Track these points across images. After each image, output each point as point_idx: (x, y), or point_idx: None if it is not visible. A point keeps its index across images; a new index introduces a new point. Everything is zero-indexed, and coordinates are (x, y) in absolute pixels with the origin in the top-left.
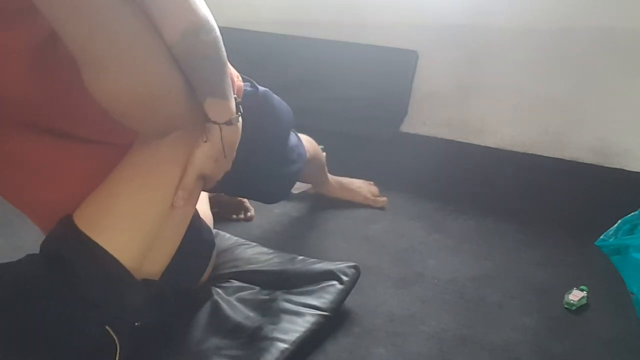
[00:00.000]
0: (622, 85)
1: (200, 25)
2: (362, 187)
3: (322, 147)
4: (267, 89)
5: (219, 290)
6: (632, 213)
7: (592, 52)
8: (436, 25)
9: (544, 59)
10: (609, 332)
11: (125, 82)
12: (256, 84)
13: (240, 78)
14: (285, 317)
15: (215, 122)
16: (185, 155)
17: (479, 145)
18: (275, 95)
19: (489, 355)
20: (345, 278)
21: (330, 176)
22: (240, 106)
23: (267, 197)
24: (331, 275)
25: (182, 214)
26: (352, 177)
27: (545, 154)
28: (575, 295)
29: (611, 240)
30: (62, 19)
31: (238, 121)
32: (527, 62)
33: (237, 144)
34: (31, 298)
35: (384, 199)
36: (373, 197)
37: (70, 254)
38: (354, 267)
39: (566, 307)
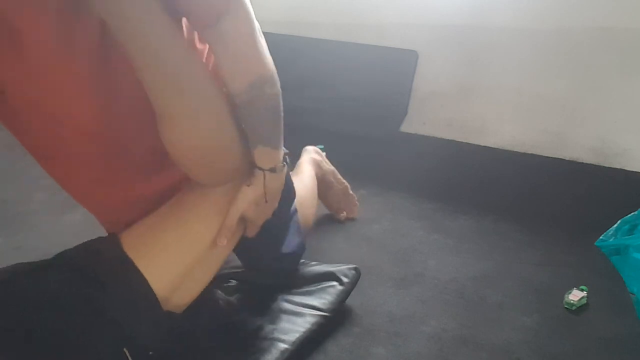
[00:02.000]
0: (622, 85)
1: (268, 78)
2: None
3: (322, 147)
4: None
5: (219, 291)
6: (632, 213)
7: (592, 52)
8: (436, 25)
9: (544, 59)
10: (609, 332)
11: (196, 138)
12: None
13: None
14: (285, 317)
15: (260, 169)
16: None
17: (479, 145)
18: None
19: (489, 355)
20: (345, 279)
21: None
22: (286, 157)
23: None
24: (331, 276)
25: (218, 256)
26: (351, 177)
27: (545, 154)
28: (575, 295)
29: (611, 240)
30: (150, 81)
31: (282, 170)
32: (527, 62)
33: (280, 192)
34: (50, 305)
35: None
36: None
37: (106, 269)
38: (355, 268)
39: (566, 307)
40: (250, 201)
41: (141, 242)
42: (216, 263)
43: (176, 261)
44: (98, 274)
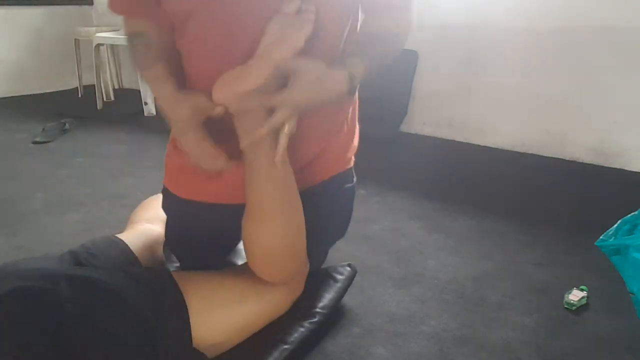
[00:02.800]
0: (622, 85)
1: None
2: None
3: None
4: (354, 188)
5: None
6: (632, 213)
7: (592, 52)
8: (436, 25)
9: (544, 59)
10: (609, 332)
11: (278, 237)
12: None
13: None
14: (284, 317)
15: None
16: (278, 303)
17: (479, 145)
18: (352, 197)
19: (489, 355)
20: (340, 277)
21: None
22: (357, 87)
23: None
24: (326, 275)
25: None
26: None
27: (545, 154)
28: (575, 295)
29: (611, 240)
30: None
31: (345, 80)
32: (527, 62)
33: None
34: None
35: None
36: None
37: (162, 309)
38: (349, 265)
39: (566, 307)
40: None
41: (205, 299)
42: (250, 328)
43: (224, 333)
44: (154, 312)
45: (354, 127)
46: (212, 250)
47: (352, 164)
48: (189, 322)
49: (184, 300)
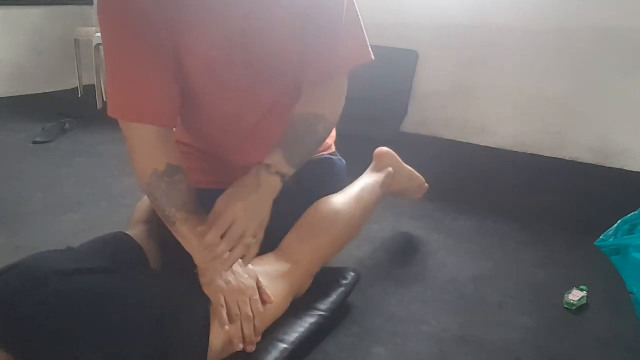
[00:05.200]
0: (622, 85)
1: (328, 122)
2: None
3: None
4: (343, 165)
5: None
6: (632, 213)
7: (592, 52)
8: (436, 25)
9: (544, 59)
10: (609, 332)
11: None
12: (340, 158)
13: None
14: (285, 317)
15: (265, 164)
16: (286, 297)
17: (479, 145)
18: (344, 174)
19: (488, 355)
20: (344, 281)
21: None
22: (287, 179)
23: None
24: (331, 277)
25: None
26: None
27: (545, 154)
28: (575, 295)
29: (611, 240)
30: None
31: (277, 180)
32: (527, 62)
33: (260, 204)
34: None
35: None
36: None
37: (185, 325)
38: (354, 270)
39: (566, 307)
40: (237, 193)
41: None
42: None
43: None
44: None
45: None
46: None
47: (332, 149)
48: (209, 333)
49: (208, 311)
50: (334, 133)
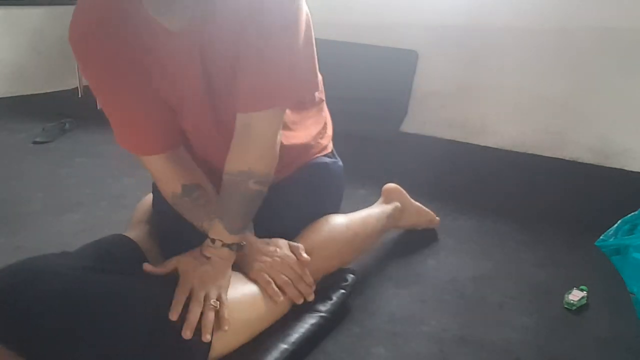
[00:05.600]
0: (622, 85)
1: (258, 175)
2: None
3: None
4: (340, 166)
5: None
6: (632, 213)
7: (592, 52)
8: (436, 25)
9: (544, 59)
10: (609, 332)
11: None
12: (337, 157)
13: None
14: (285, 318)
15: (208, 237)
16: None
17: (479, 145)
18: (340, 176)
19: (488, 355)
20: (344, 283)
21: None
22: (237, 246)
23: None
24: (331, 280)
25: (261, 327)
26: (352, 177)
27: (545, 154)
28: (575, 295)
29: (611, 240)
30: None
31: (222, 252)
32: (527, 62)
33: (211, 276)
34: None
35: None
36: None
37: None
38: (352, 272)
39: (566, 307)
40: (195, 270)
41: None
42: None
43: (238, 339)
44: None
45: (324, 127)
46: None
47: (329, 149)
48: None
49: None
50: (330, 132)
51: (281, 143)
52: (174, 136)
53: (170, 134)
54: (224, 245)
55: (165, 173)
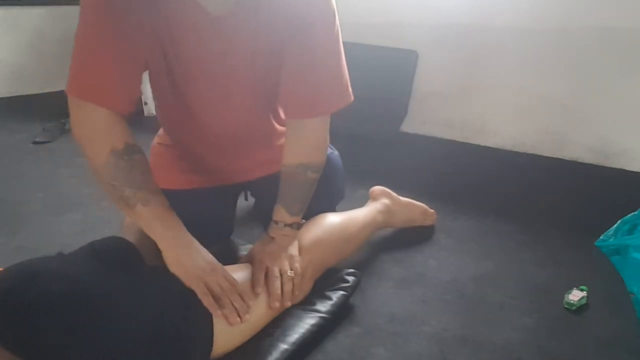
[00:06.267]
0: (622, 85)
1: (315, 166)
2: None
3: None
4: (337, 155)
5: None
6: (632, 213)
7: (592, 52)
8: (436, 25)
9: (544, 59)
10: (609, 332)
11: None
12: (332, 147)
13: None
14: (285, 318)
15: (274, 221)
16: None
17: (479, 145)
18: (339, 164)
19: (489, 355)
20: (345, 284)
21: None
22: (297, 225)
23: None
24: (332, 280)
25: (260, 326)
26: (352, 177)
27: (545, 154)
28: (575, 295)
29: (611, 240)
30: None
31: (288, 231)
32: (527, 62)
33: (284, 248)
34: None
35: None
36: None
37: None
38: (354, 274)
39: (566, 307)
40: (265, 250)
41: None
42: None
43: (240, 337)
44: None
45: None
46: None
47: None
48: (212, 332)
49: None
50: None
51: (271, 131)
52: (130, 104)
53: (130, 100)
54: (286, 225)
55: (109, 127)
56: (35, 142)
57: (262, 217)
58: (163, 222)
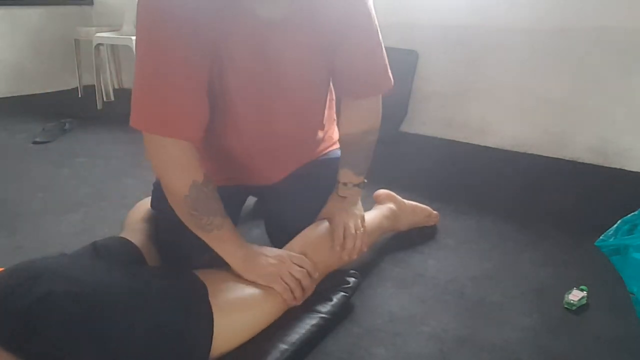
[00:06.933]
0: (622, 85)
1: (374, 130)
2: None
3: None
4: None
5: None
6: (632, 213)
7: (592, 52)
8: (436, 26)
9: (544, 59)
10: (609, 332)
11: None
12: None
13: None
14: (285, 318)
15: (342, 182)
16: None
17: (479, 145)
18: None
19: (489, 355)
20: (346, 285)
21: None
22: (362, 184)
23: None
24: (333, 281)
25: (260, 327)
26: None
27: (545, 154)
28: (575, 295)
29: (611, 240)
30: None
31: (354, 189)
32: (527, 62)
33: (353, 206)
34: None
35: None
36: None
37: (189, 315)
38: (355, 275)
39: (566, 307)
40: (337, 207)
41: (227, 303)
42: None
43: (239, 338)
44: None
45: (332, 123)
46: (199, 243)
47: (337, 144)
48: (212, 332)
49: (210, 309)
50: (335, 125)
51: (310, 140)
52: (203, 130)
53: (203, 126)
54: (354, 185)
55: (191, 162)
56: (35, 142)
57: (263, 217)
58: (234, 242)
